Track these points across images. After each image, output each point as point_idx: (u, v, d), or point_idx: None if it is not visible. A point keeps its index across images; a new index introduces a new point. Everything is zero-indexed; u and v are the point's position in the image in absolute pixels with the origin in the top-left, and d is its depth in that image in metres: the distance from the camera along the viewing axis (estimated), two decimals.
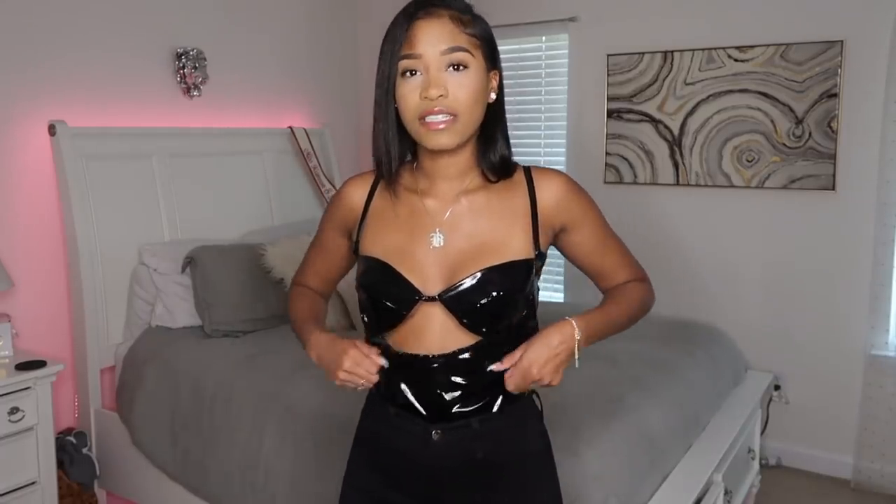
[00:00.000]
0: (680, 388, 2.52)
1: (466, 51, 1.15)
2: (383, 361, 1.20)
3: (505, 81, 1.27)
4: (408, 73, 1.15)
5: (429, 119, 1.14)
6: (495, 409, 1.23)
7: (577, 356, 1.19)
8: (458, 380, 1.20)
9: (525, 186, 1.25)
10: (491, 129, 1.23)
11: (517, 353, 1.18)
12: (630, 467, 2.03)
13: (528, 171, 1.27)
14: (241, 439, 2.47)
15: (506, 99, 1.28)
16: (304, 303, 1.39)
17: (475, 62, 1.16)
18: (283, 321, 3.08)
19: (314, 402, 2.36)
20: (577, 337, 1.18)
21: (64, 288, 2.94)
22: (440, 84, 1.13)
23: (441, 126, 1.14)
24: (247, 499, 2.42)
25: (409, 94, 1.15)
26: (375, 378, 1.20)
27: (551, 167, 1.31)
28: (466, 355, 1.20)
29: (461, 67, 1.15)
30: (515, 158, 1.29)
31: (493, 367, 1.19)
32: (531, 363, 1.16)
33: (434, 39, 1.14)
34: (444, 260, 1.21)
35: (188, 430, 2.64)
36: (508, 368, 1.19)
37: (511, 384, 1.18)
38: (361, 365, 1.18)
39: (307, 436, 2.32)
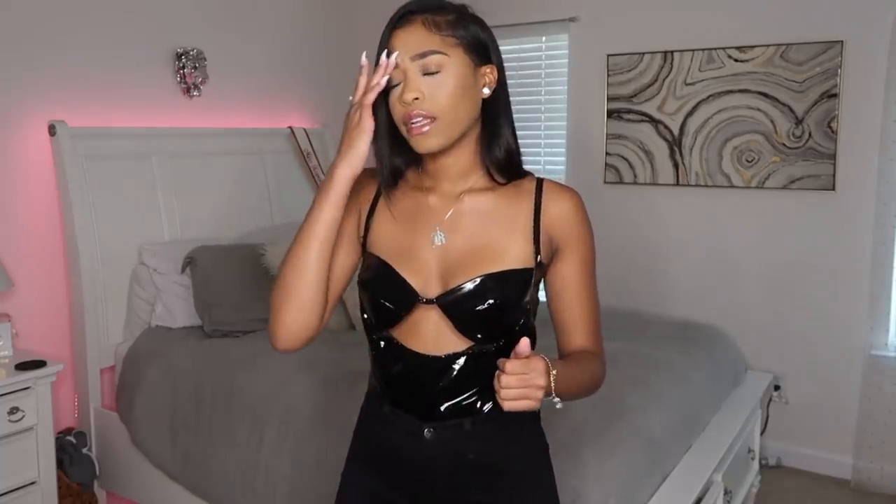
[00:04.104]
0: (680, 388, 2.52)
1: (438, 52, 1.14)
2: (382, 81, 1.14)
3: (506, 79, 1.24)
4: (392, 83, 1.16)
5: (410, 123, 1.15)
6: (486, 410, 1.22)
7: (555, 399, 1.08)
8: (450, 382, 1.20)
9: (533, 195, 1.23)
10: (492, 124, 1.22)
11: (531, 354, 1.07)
12: (630, 467, 2.03)
13: (540, 182, 1.25)
14: (241, 439, 2.48)
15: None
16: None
17: (452, 61, 1.15)
18: None
19: (313, 402, 2.36)
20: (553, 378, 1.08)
21: (64, 288, 2.94)
22: (415, 88, 1.14)
23: (424, 129, 1.14)
24: (247, 499, 2.43)
25: (395, 103, 1.16)
26: (374, 93, 1.13)
27: (568, 185, 1.27)
28: (460, 360, 1.19)
29: (435, 71, 1.14)
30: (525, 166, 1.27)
31: (504, 360, 1.06)
32: (537, 366, 1.05)
33: (405, 48, 1.14)
34: (444, 260, 1.21)
35: (188, 430, 2.64)
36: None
37: (508, 367, 1.03)
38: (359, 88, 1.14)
39: (307, 436, 2.32)
